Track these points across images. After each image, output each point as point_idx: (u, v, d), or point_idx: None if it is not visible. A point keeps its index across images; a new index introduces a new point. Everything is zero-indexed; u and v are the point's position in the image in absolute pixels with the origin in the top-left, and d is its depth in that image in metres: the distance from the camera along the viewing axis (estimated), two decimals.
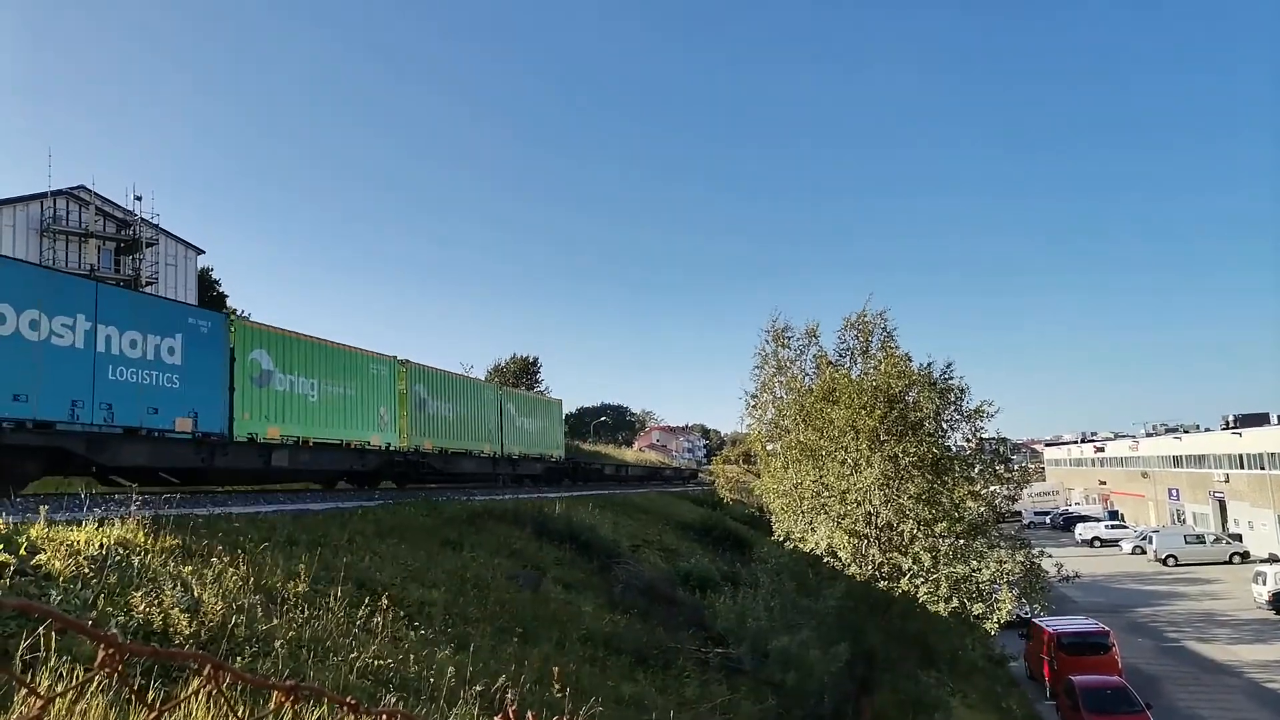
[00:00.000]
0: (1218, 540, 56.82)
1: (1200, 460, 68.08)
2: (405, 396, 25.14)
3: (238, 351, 18.30)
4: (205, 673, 0.88)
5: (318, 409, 20.73)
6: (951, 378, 21.42)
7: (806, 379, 24.58)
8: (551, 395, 73.31)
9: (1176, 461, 72.91)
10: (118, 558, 8.96)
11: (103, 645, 0.73)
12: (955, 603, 19.06)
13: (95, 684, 5.52)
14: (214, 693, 0.93)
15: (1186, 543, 55.97)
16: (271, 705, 1.07)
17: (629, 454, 77.16)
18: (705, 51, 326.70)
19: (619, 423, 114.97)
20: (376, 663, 8.79)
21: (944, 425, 21.29)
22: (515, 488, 31.50)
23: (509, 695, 9.12)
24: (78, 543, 9.02)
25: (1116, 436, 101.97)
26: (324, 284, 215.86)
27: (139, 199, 45.74)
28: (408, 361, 25.98)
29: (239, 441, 17.93)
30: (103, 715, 5.43)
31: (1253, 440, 59.80)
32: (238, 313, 35.32)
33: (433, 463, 26.56)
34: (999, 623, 20.11)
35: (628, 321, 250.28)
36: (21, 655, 5.95)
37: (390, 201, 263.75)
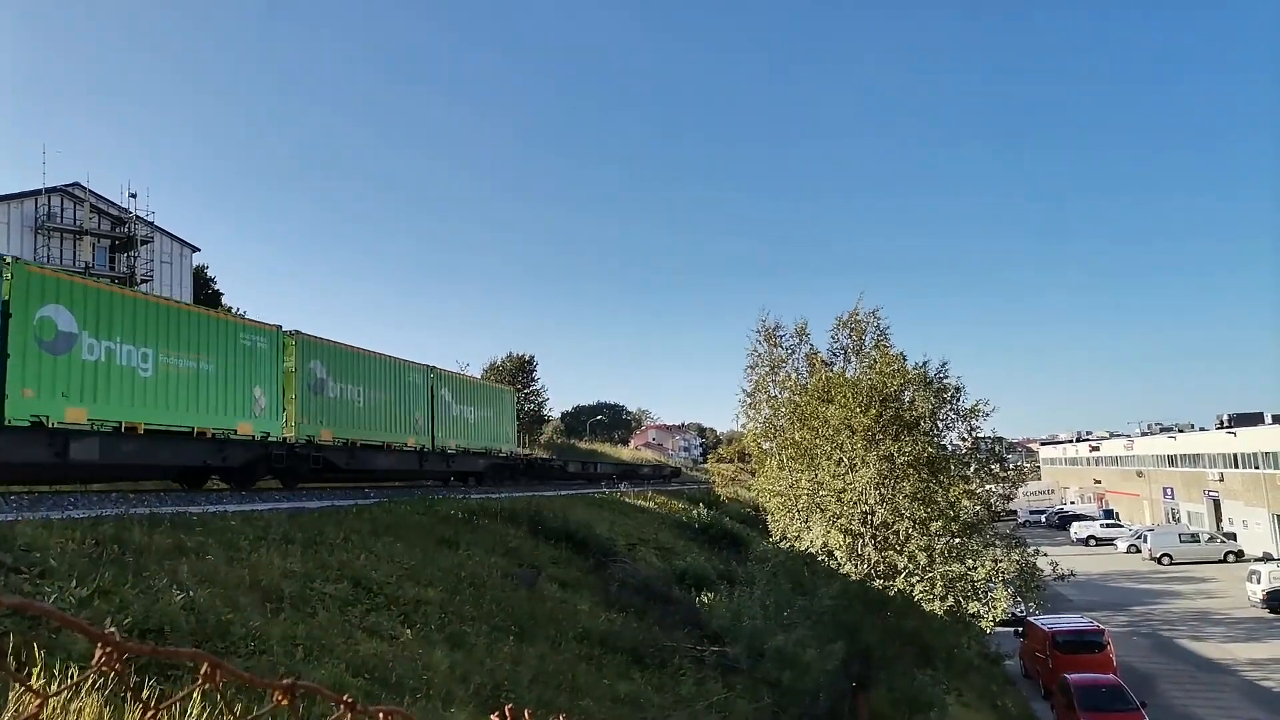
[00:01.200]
0: (1212, 539, 57.00)
1: (1195, 459, 68.27)
2: (294, 376, 20.53)
3: (17, 306, 14.04)
4: (203, 670, 0.88)
5: (153, 387, 16.48)
6: (947, 376, 21.45)
7: (800, 378, 24.62)
8: (545, 395, 73.58)
9: (1171, 461, 73.12)
10: (113, 555, 8.95)
11: (100, 643, 0.73)
12: (951, 601, 19.08)
13: (90, 682, 5.51)
14: (211, 691, 0.93)
15: (1181, 542, 56.14)
16: (270, 704, 1.07)
17: (625, 452, 77.22)
18: (704, 51, 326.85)
19: (615, 421, 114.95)
20: (373, 661, 8.80)
21: (939, 424, 21.31)
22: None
23: (505, 693, 9.14)
24: (73, 540, 9.01)
25: (1112, 436, 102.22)
26: (323, 284, 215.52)
27: (134, 196, 45.64)
28: (298, 333, 21.46)
29: (13, 426, 13.80)
30: (99, 714, 5.42)
31: (1247, 440, 59.99)
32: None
33: (333, 457, 21.80)
34: (994, 621, 20.16)
35: (625, 320, 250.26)
36: (16, 653, 5.94)
37: (387, 201, 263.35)
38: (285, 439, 20.35)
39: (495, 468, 32.94)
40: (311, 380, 21.50)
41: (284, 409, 20.30)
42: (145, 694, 5.82)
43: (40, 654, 6.06)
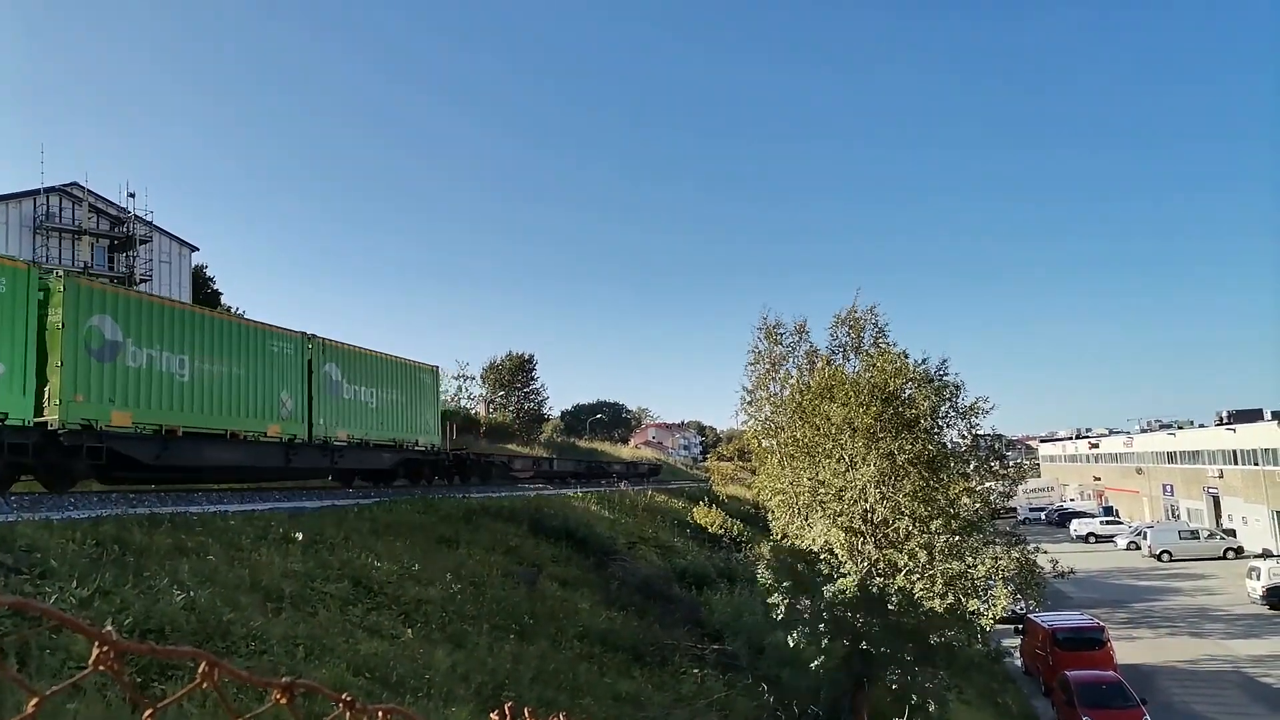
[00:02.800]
0: (1212, 536, 57.01)
1: (1194, 456, 68.29)
2: (60, 336, 14.73)
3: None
4: (201, 670, 0.88)
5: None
6: (947, 374, 21.47)
7: (802, 375, 24.64)
8: (545, 394, 73.43)
9: (1171, 457, 73.14)
10: (113, 556, 8.95)
11: (97, 642, 0.73)
12: (951, 599, 19.09)
13: (89, 681, 5.51)
14: (210, 690, 0.92)
15: (1181, 538, 56.14)
16: (269, 703, 1.07)
17: (625, 450, 77.22)
18: (701, 51, 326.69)
19: (615, 420, 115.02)
20: (374, 660, 8.80)
21: (940, 422, 21.32)
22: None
23: (506, 692, 9.14)
24: (73, 541, 9.01)
25: (1111, 433, 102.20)
26: (321, 284, 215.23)
27: (132, 196, 45.60)
28: (68, 275, 16.13)
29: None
30: (101, 713, 5.42)
31: (1247, 436, 60.00)
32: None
33: (134, 451, 16.14)
34: (994, 619, 20.17)
35: (624, 320, 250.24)
36: (17, 653, 5.94)
37: (385, 201, 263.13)
38: (46, 423, 14.54)
39: (411, 464, 26.98)
40: (97, 344, 15.55)
41: (37, 380, 14.43)
42: (145, 693, 5.81)
43: (44, 653, 6.06)
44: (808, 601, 16.18)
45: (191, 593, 8.35)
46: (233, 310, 40.57)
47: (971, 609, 19.48)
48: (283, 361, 20.61)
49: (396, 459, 26.03)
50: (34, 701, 0.66)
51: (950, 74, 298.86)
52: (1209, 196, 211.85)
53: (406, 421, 26.77)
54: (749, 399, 26.45)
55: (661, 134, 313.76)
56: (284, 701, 0.96)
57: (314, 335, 22.43)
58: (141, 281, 44.82)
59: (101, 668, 0.73)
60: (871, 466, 19.50)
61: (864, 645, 16.22)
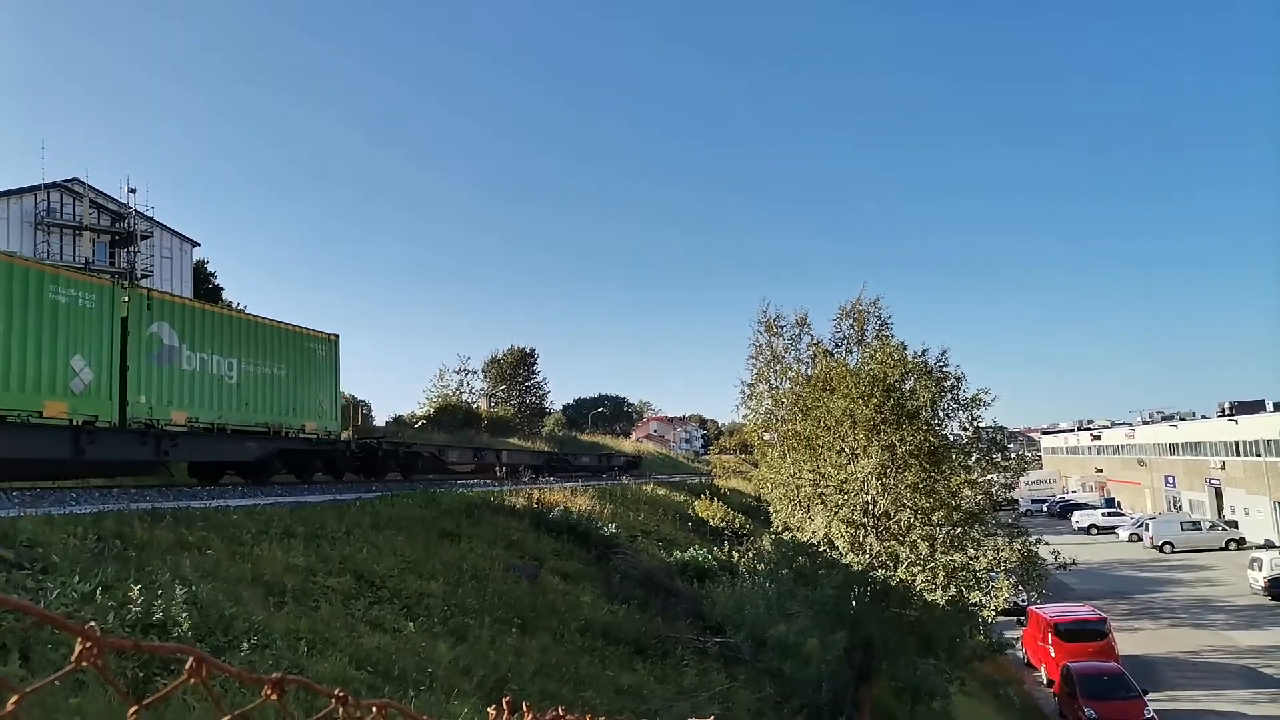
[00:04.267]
0: (1214, 527, 57.04)
1: (1196, 448, 68.28)
2: None
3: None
4: (189, 665, 0.86)
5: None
6: (947, 365, 21.44)
7: (802, 368, 24.62)
8: (547, 388, 73.27)
9: (1173, 449, 73.12)
10: (115, 551, 8.96)
11: (80, 638, 0.72)
12: (952, 591, 19.11)
13: (89, 676, 5.51)
14: (201, 686, 0.91)
15: (1182, 529, 56.18)
16: (259, 699, 1.06)
17: (627, 444, 77.20)
18: (699, 51, 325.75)
19: (617, 414, 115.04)
20: (377, 654, 8.81)
21: (941, 414, 21.30)
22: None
23: (508, 685, 9.16)
24: (75, 536, 9.02)
25: (1113, 424, 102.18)
26: (320, 285, 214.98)
27: (133, 191, 45.55)
28: None
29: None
30: (101, 708, 5.43)
31: (1249, 427, 59.96)
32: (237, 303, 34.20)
33: None
34: (996, 610, 20.20)
35: (625, 315, 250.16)
36: (19, 649, 5.95)
37: (385, 200, 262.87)
38: None
39: (292, 456, 21.77)
40: None
41: None
42: (146, 689, 5.83)
43: (46, 648, 6.07)
44: (806, 591, 16.20)
45: (193, 587, 8.35)
46: (233, 305, 40.51)
47: (973, 601, 19.50)
48: (75, 316, 15.58)
49: (267, 449, 20.43)
50: (14, 699, 0.65)
51: (950, 74, 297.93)
52: (1212, 191, 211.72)
53: (286, 402, 21.25)
54: (749, 393, 26.44)
55: (661, 135, 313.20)
56: (275, 697, 0.95)
57: (137, 284, 18.25)
58: (143, 277, 44.80)
59: (86, 664, 0.72)
60: (873, 458, 19.49)
61: (866, 637, 16.25)
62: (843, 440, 20.17)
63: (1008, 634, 29.71)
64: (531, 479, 31.25)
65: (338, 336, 24.17)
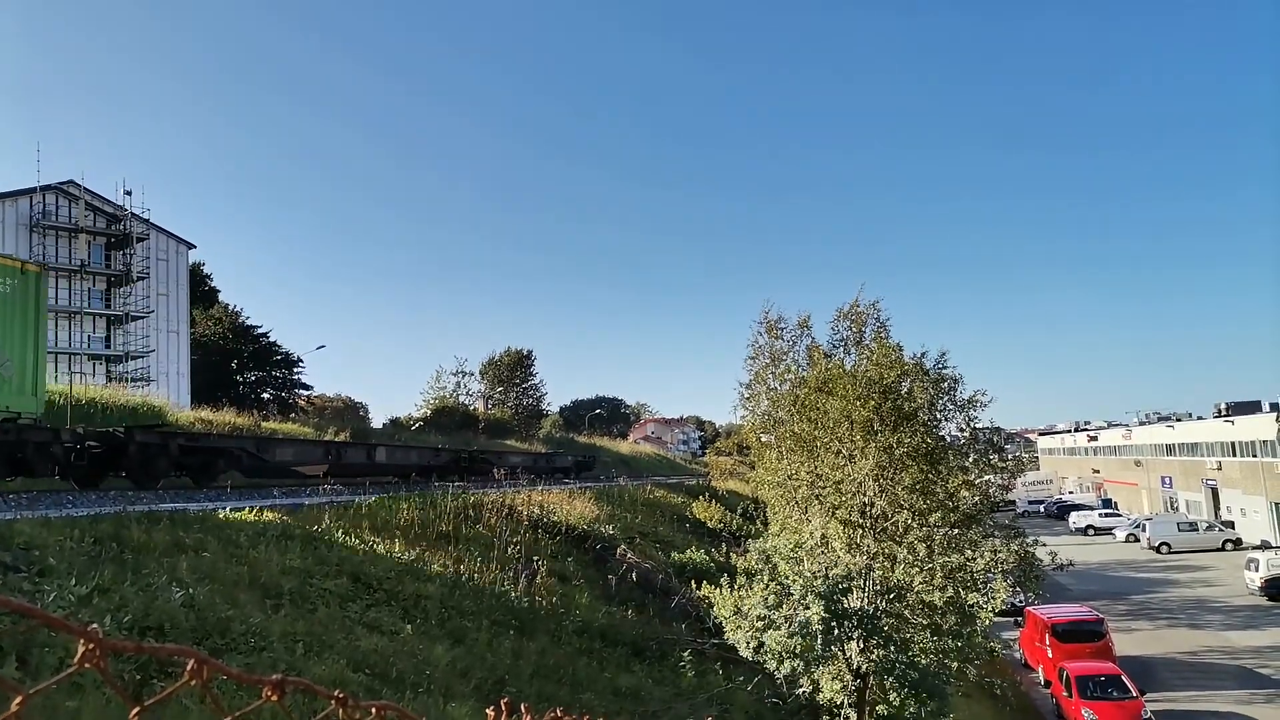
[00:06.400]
0: (1210, 527, 57.11)
1: (1193, 448, 68.38)
2: None
3: None
4: (189, 667, 0.87)
5: None
6: (945, 367, 21.44)
7: (800, 370, 24.59)
8: (544, 389, 73.08)
9: (1169, 450, 73.21)
10: (111, 553, 8.94)
11: (83, 641, 0.73)
12: (950, 592, 19.11)
13: (88, 678, 5.51)
14: (201, 688, 0.92)
15: (1179, 530, 56.23)
16: (260, 700, 1.06)
17: (625, 445, 77.16)
18: (698, 52, 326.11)
19: (614, 415, 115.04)
20: (374, 656, 8.80)
21: (938, 415, 21.30)
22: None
23: (506, 687, 9.15)
24: (72, 538, 9.00)
25: (1110, 425, 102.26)
26: (318, 287, 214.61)
27: (129, 194, 45.52)
28: None
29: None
30: (100, 710, 5.42)
31: (1245, 428, 60.06)
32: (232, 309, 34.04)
33: None
34: (994, 611, 20.19)
35: (623, 317, 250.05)
36: (18, 652, 5.93)
37: (383, 203, 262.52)
38: None
39: None
40: None
41: None
42: (145, 691, 5.82)
43: (44, 651, 6.06)
44: (802, 589, 16.19)
45: (190, 590, 8.34)
46: (230, 308, 40.38)
47: (971, 602, 19.50)
48: None
49: None
50: (17, 701, 0.65)
51: (950, 74, 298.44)
52: (1209, 192, 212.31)
53: None
54: (747, 394, 26.41)
55: (660, 136, 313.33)
56: (275, 699, 0.95)
57: None
58: (139, 279, 44.73)
59: (87, 666, 0.73)
60: (870, 460, 19.50)
61: (864, 636, 16.26)
62: (839, 441, 20.18)
63: (1006, 635, 29.74)
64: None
65: (43, 268, 16.50)
